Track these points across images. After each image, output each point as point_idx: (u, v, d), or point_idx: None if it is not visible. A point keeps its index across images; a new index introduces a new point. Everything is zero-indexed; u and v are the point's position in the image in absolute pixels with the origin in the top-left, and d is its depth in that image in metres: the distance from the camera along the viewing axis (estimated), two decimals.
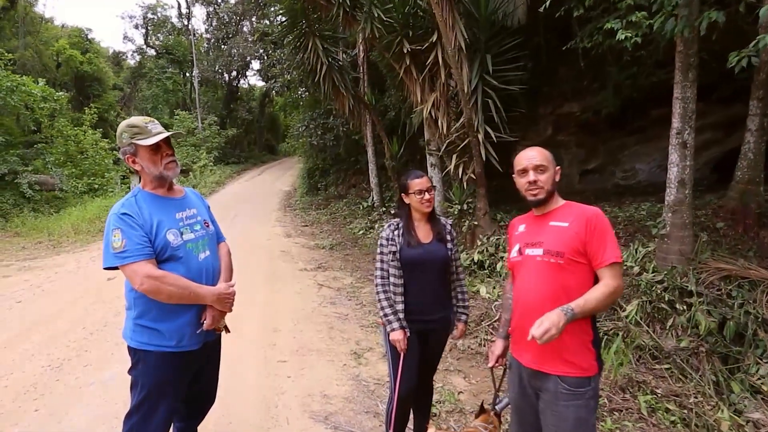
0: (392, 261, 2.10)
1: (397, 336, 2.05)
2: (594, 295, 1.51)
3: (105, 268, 1.68)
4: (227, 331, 1.96)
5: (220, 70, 27.85)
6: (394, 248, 2.11)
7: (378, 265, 2.16)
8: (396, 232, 2.14)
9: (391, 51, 6.39)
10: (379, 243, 2.18)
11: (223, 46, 27.11)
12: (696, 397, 3.01)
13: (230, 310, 1.89)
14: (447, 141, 6.21)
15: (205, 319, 1.79)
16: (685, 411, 2.79)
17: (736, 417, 2.83)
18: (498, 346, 1.93)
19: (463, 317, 2.25)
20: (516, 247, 1.77)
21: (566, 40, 5.75)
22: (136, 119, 1.77)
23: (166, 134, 1.76)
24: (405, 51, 6.13)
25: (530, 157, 1.70)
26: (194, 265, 1.78)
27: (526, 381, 1.71)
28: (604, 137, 7.44)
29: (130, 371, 1.78)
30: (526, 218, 1.83)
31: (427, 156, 7.31)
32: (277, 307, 4.90)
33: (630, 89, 6.19)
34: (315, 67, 8.05)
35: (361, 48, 9.44)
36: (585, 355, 1.59)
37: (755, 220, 4.69)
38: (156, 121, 1.80)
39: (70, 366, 3.53)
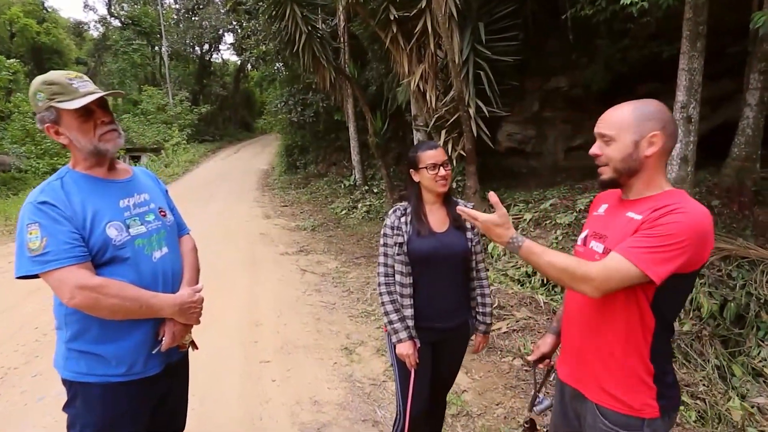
0: (398, 255, 1.71)
1: (406, 349, 1.68)
2: (555, 255, 1.15)
3: (19, 278, 1.25)
4: (194, 347, 1.57)
5: (190, 43, 26.54)
6: (400, 239, 1.71)
7: (381, 259, 1.77)
8: (403, 219, 1.74)
9: (377, 18, 5.93)
10: (382, 232, 1.79)
11: (193, 18, 25.69)
12: (705, 385, 2.88)
13: (197, 322, 1.49)
14: (435, 116, 5.89)
15: (163, 337, 1.40)
16: (698, 402, 2.64)
17: (747, 406, 2.71)
18: (546, 342, 1.54)
19: (483, 327, 1.85)
20: (584, 234, 1.36)
21: (555, 12, 5.43)
22: (55, 74, 1.32)
23: (99, 94, 1.31)
24: (391, 18, 5.70)
25: (599, 121, 1.24)
26: (146, 268, 1.38)
27: (568, 400, 1.37)
28: (591, 113, 7.24)
29: (65, 408, 1.37)
30: (612, 197, 1.37)
31: (414, 131, 6.98)
32: (257, 298, 4.54)
33: (620, 63, 5.97)
34: (294, 37, 7.49)
35: (342, 17, 8.89)
36: (636, 391, 1.19)
37: (751, 198, 4.60)
38: (85, 77, 1.36)
39: (16, 376, 3.03)
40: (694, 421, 2.46)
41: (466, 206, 1.80)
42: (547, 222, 5.03)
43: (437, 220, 1.76)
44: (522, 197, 5.97)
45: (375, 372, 3.04)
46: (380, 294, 1.77)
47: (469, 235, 1.78)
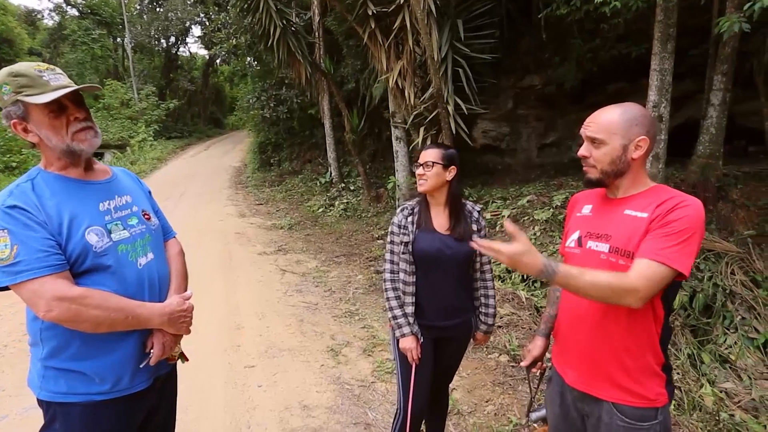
0: (403, 253, 1.76)
1: (409, 344, 1.73)
2: (594, 273, 1.12)
3: None
4: (184, 359, 1.47)
5: (156, 36, 25.47)
6: (406, 238, 1.76)
7: (387, 256, 1.83)
8: (410, 218, 1.79)
9: (354, 13, 5.86)
10: (389, 230, 1.84)
11: (158, 9, 24.63)
12: (678, 374, 3.01)
13: (188, 332, 1.40)
14: (414, 113, 5.88)
15: (151, 349, 1.30)
16: (675, 391, 2.75)
17: (716, 391, 2.85)
18: (536, 345, 1.57)
19: (484, 327, 1.90)
20: (575, 235, 1.36)
21: (529, 11, 5.51)
22: (23, 65, 1.18)
23: (71, 88, 1.18)
24: (369, 13, 5.63)
25: (587, 123, 1.27)
26: (131, 275, 1.27)
27: (570, 401, 1.38)
28: (563, 111, 7.45)
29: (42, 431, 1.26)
30: (594, 196, 1.38)
31: (392, 129, 6.95)
32: (237, 300, 4.42)
33: (591, 63, 6.14)
34: (268, 30, 7.30)
35: (317, 11, 8.73)
36: (651, 382, 1.23)
37: (714, 193, 4.82)
38: (57, 69, 1.23)
39: None
40: (673, 410, 2.56)
41: (474, 210, 1.86)
42: (525, 218, 5.13)
43: (443, 222, 1.80)
44: (499, 194, 6.06)
45: (363, 373, 3.01)
46: (385, 290, 1.81)
47: (475, 237, 1.78)
